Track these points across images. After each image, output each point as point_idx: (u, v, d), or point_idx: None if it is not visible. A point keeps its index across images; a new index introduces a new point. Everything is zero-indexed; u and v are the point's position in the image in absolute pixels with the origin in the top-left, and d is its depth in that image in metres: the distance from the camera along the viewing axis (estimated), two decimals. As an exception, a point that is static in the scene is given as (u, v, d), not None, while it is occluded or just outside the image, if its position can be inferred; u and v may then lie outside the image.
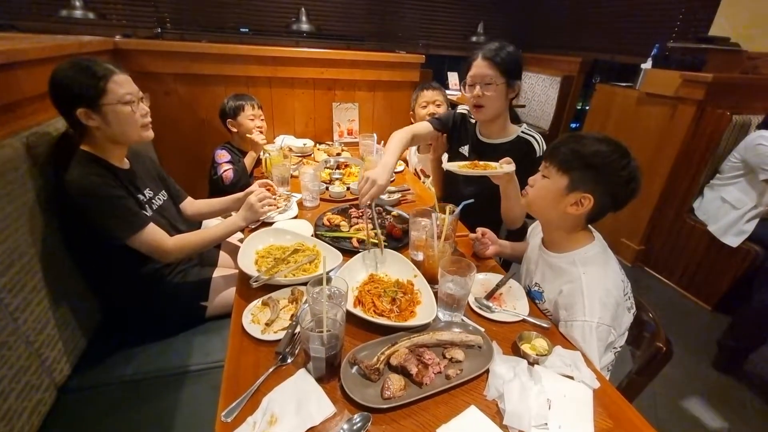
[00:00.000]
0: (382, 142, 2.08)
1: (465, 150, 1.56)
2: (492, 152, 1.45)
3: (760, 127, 2.21)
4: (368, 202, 1.19)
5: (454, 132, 1.59)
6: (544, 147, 1.40)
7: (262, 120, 2.03)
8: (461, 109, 1.61)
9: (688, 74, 2.41)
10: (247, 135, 1.92)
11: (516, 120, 1.49)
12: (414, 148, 2.14)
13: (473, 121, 1.55)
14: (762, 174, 2.10)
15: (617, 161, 0.92)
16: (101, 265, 1.20)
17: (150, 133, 1.19)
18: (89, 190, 1.04)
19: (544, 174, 1.01)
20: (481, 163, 1.30)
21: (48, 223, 1.09)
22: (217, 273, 1.36)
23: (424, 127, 1.57)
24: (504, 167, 1.22)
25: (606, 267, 0.97)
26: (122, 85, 1.09)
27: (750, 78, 2.54)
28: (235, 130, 1.97)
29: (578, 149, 0.95)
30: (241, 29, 3.99)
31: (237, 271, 1.34)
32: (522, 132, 1.43)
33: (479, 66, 1.34)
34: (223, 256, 1.61)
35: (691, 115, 2.43)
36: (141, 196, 1.23)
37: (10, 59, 1.11)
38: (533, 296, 1.08)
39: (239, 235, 1.44)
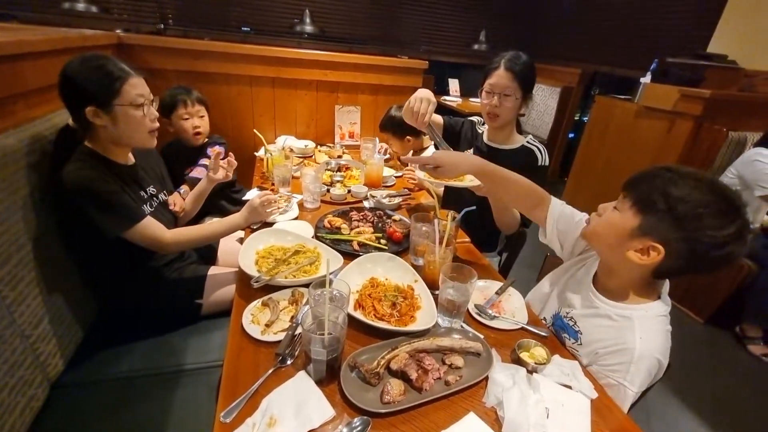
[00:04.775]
0: (383, 145, 2.10)
1: (470, 153, 1.58)
2: (497, 156, 1.48)
3: (757, 144, 2.24)
4: (428, 120, 1.30)
5: (461, 136, 1.63)
6: (547, 158, 1.42)
7: (201, 118, 1.80)
8: (472, 117, 1.66)
9: (686, 90, 2.45)
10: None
11: (519, 130, 1.51)
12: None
13: (480, 130, 1.59)
14: (758, 190, 2.13)
15: (714, 217, 0.73)
16: (98, 260, 1.19)
17: (154, 141, 1.18)
18: (83, 184, 1.03)
19: (616, 206, 0.86)
20: None
21: (46, 217, 1.08)
22: (213, 270, 1.36)
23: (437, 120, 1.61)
24: (475, 181, 1.19)
25: (664, 335, 0.84)
26: (136, 87, 1.08)
27: (747, 95, 2.59)
28: (172, 130, 1.80)
29: (665, 187, 0.77)
30: (243, 28, 3.99)
31: (233, 269, 1.34)
32: (527, 142, 1.47)
33: (501, 76, 1.34)
34: (221, 254, 1.60)
35: (689, 130, 2.47)
36: (143, 193, 1.23)
37: (16, 51, 1.10)
38: (563, 327, 0.97)
39: (239, 233, 1.44)
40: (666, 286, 0.90)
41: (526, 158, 1.43)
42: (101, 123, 1.06)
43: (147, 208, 1.21)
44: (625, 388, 0.81)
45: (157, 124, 1.18)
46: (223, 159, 1.51)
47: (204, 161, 1.79)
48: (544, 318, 1.08)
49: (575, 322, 0.95)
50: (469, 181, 1.24)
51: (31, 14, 3.23)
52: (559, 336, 0.99)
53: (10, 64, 1.09)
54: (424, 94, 1.32)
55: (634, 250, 0.81)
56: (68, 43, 1.38)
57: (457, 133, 1.64)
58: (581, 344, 0.93)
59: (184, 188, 1.68)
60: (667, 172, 0.80)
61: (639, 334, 0.82)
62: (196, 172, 1.78)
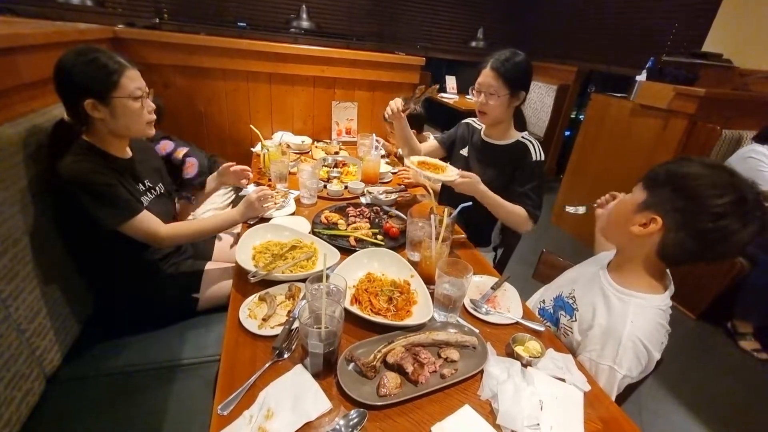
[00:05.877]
0: (381, 141, 2.10)
1: (464, 152, 1.61)
2: (492, 151, 1.51)
3: (753, 140, 2.26)
4: (401, 105, 1.48)
5: (455, 142, 1.68)
6: (541, 153, 1.43)
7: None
8: (469, 119, 1.69)
9: (681, 88, 2.46)
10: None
11: (521, 127, 1.52)
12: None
13: (478, 127, 1.61)
14: None
15: (708, 187, 0.75)
16: (95, 254, 1.19)
17: (152, 130, 1.18)
18: (79, 176, 1.03)
19: (633, 190, 0.90)
20: (431, 162, 1.42)
21: (42, 211, 1.08)
22: (210, 266, 1.36)
23: (430, 143, 1.74)
24: (451, 176, 1.28)
25: (656, 328, 0.86)
26: (133, 79, 1.08)
27: (741, 94, 2.60)
28: None
29: (673, 167, 0.82)
30: (239, 23, 3.97)
31: (230, 264, 1.34)
32: (522, 137, 1.48)
33: (486, 75, 1.38)
34: (218, 249, 1.60)
35: (683, 128, 2.48)
36: (141, 185, 1.23)
37: (11, 44, 1.09)
38: (561, 306, 1.01)
39: (236, 228, 1.43)
40: (671, 286, 0.93)
41: (518, 153, 1.45)
42: (100, 116, 1.06)
43: (144, 201, 1.21)
44: (614, 371, 0.84)
45: (154, 116, 1.18)
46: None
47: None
48: (543, 300, 1.10)
49: (574, 300, 0.98)
50: (445, 176, 1.28)
51: (25, 7, 3.18)
52: (555, 316, 1.02)
53: (4, 58, 1.08)
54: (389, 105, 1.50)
55: (637, 225, 0.84)
56: (63, 37, 1.37)
57: (452, 141, 1.69)
58: (575, 320, 0.96)
59: (193, 198, 1.60)
60: (679, 157, 0.85)
61: (630, 318, 0.85)
62: (189, 169, 1.76)
